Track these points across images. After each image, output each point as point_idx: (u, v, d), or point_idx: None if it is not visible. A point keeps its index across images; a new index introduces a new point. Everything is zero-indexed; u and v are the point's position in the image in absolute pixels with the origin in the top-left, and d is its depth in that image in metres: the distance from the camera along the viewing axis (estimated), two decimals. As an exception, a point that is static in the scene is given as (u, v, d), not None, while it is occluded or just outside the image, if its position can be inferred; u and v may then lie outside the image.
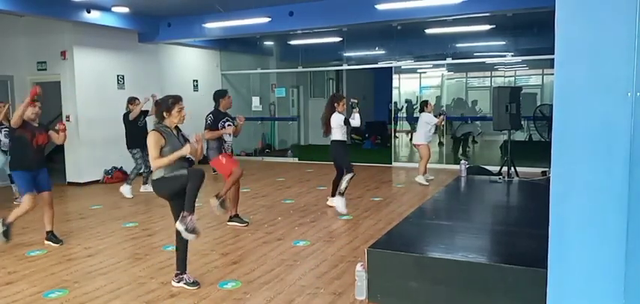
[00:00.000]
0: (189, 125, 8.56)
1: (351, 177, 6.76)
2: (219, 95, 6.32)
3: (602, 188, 2.64)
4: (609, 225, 2.64)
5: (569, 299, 2.79)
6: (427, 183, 8.98)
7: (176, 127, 4.20)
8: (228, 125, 6.13)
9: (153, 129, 4.11)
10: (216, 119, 6.10)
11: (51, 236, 5.69)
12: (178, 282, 4.29)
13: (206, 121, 6.09)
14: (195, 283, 4.28)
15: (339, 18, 8.81)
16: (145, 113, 8.34)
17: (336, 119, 6.82)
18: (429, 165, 10.87)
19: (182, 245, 4.27)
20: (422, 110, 9.38)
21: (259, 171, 10.98)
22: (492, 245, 4.25)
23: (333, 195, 7.11)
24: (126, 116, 8.27)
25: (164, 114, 4.12)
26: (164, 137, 4.04)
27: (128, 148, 8.26)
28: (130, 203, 7.90)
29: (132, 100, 8.39)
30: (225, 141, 6.17)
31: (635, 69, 2.50)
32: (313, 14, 8.81)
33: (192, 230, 4.04)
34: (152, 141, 4.00)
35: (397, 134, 13.48)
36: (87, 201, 7.96)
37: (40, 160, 5.49)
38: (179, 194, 4.03)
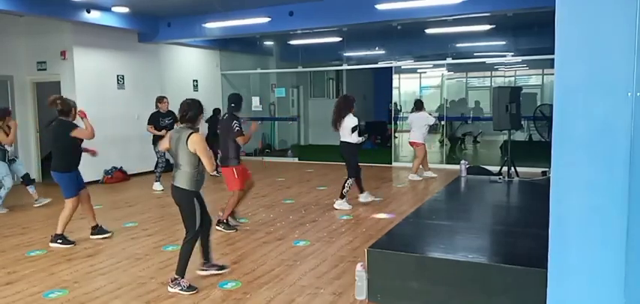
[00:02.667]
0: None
1: (352, 182, 7.16)
2: (239, 99, 6.11)
3: (602, 188, 2.64)
4: (609, 225, 2.64)
5: (569, 299, 2.79)
6: (420, 178, 9.47)
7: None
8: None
9: (195, 132, 4.19)
10: (240, 124, 5.90)
11: (99, 229, 5.91)
12: (174, 287, 4.22)
13: (234, 129, 5.83)
14: (191, 288, 4.22)
15: (339, 18, 8.81)
16: (170, 114, 8.75)
17: (350, 121, 6.98)
18: (429, 165, 10.86)
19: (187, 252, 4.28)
20: (420, 109, 9.48)
21: (259, 171, 10.98)
22: (492, 245, 4.25)
23: (361, 192, 7.41)
24: (154, 115, 8.76)
25: (195, 119, 4.25)
26: None
27: (153, 144, 8.77)
28: (129, 203, 7.91)
29: (161, 99, 8.89)
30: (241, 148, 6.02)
31: (635, 69, 2.50)
32: (313, 14, 8.80)
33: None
34: (203, 145, 4.16)
35: (397, 134, 13.47)
36: (87, 201, 7.94)
37: (78, 160, 5.69)
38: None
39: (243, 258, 5.08)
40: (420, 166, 9.75)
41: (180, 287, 4.17)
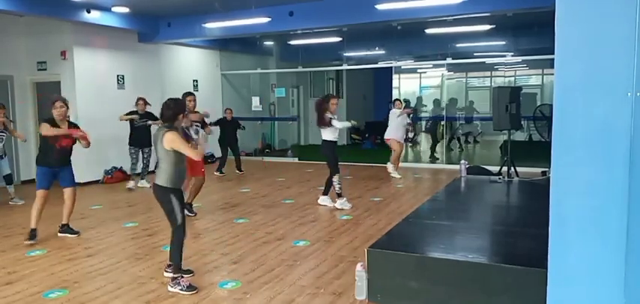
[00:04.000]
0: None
1: (340, 177, 7.20)
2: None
3: (602, 188, 2.64)
4: (609, 225, 2.64)
5: (569, 299, 2.79)
6: (399, 176, 9.63)
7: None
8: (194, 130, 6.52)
9: (170, 130, 4.20)
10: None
11: (66, 228, 5.99)
12: (174, 287, 4.23)
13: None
14: (191, 287, 4.21)
15: (339, 18, 8.81)
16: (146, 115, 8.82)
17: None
18: (429, 165, 10.89)
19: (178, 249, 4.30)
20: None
21: (259, 171, 10.99)
22: (492, 245, 4.25)
23: (325, 194, 7.41)
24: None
25: (173, 118, 4.28)
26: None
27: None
28: (130, 202, 7.91)
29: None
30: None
31: (635, 69, 2.51)
32: (313, 14, 8.80)
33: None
34: (180, 139, 4.21)
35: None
36: (87, 201, 7.95)
37: (62, 159, 5.75)
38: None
39: (243, 258, 5.08)
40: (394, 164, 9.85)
41: (180, 287, 4.17)
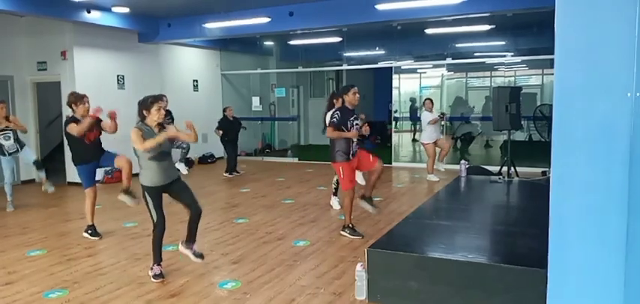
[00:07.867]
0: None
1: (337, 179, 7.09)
2: (343, 91, 5.73)
3: (602, 188, 2.65)
4: (609, 225, 2.64)
5: (569, 299, 2.80)
6: (437, 179, 9.11)
7: (160, 125, 4.42)
8: (357, 126, 5.59)
9: (134, 128, 4.36)
10: (342, 117, 5.47)
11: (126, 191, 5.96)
12: (186, 248, 4.62)
13: (332, 119, 5.49)
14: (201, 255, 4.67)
15: (339, 18, 8.81)
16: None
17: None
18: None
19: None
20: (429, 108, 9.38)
21: (259, 171, 10.99)
22: (492, 245, 4.25)
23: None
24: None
25: (144, 112, 4.37)
26: (143, 133, 4.31)
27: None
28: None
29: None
30: (353, 142, 5.59)
31: (635, 69, 2.51)
32: (313, 14, 8.80)
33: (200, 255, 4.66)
34: (134, 136, 4.29)
35: (396, 134, 13.44)
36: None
37: (96, 152, 5.80)
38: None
39: (243, 258, 5.08)
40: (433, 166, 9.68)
41: (152, 273, 4.49)
